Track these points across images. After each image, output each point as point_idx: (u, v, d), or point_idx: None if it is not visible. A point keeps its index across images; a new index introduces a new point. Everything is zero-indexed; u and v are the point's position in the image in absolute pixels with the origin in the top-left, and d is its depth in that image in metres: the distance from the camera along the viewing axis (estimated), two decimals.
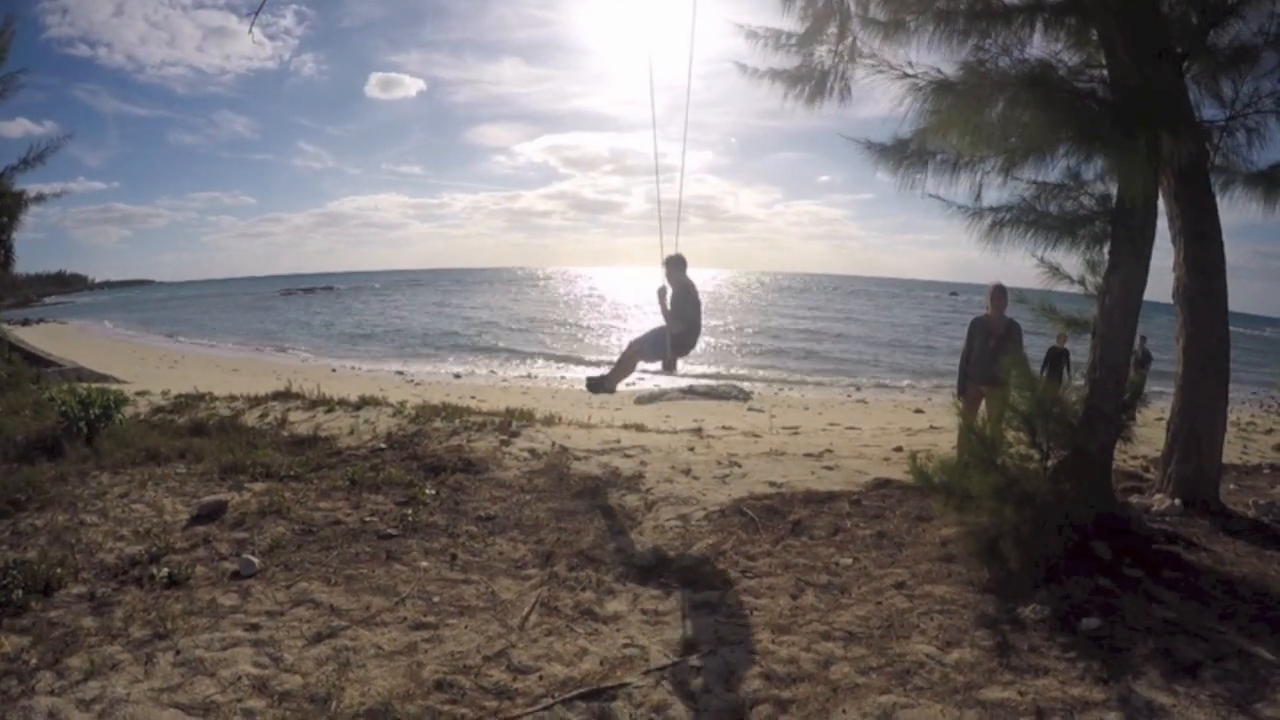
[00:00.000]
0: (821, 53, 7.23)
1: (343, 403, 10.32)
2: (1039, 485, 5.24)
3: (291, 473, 7.16)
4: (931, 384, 30.02)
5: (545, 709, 3.75)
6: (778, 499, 6.77)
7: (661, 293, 7.39)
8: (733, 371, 32.94)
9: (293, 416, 9.66)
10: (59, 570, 4.95)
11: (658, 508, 6.64)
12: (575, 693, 3.88)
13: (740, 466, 7.77)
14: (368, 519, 6.18)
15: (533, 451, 8.07)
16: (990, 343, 7.94)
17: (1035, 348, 10.26)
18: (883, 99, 6.30)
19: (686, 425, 11.39)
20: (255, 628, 4.44)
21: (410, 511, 6.31)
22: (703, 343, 7.66)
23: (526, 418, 9.62)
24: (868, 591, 5.05)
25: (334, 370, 29.86)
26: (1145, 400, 6.50)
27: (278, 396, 10.81)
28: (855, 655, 4.24)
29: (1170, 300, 6.86)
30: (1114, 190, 6.18)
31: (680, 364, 7.72)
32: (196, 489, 6.76)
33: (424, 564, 5.46)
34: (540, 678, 4.04)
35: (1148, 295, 6.09)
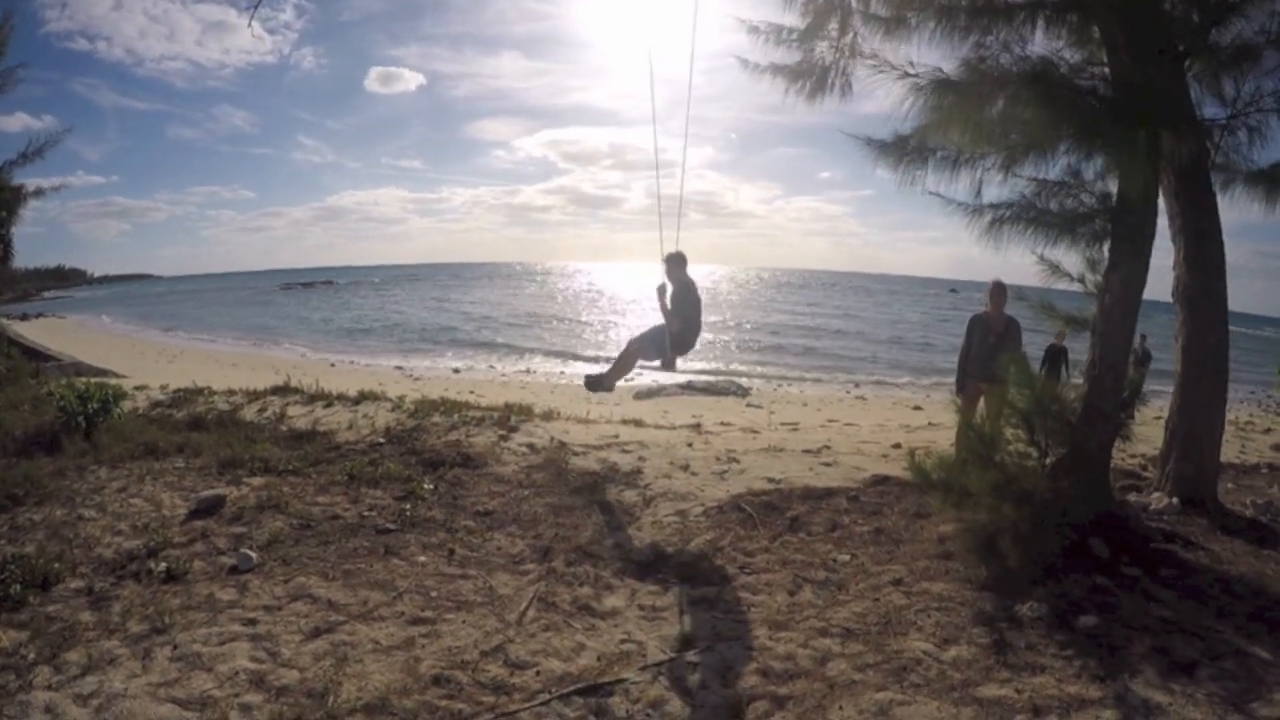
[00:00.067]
0: (823, 48, 7.22)
1: (341, 397, 10.31)
2: (1037, 483, 5.24)
3: (290, 467, 7.15)
4: (930, 381, 30.03)
5: (542, 704, 3.75)
6: (776, 495, 6.77)
7: (661, 290, 7.36)
8: (731, 368, 32.94)
9: (291, 411, 9.65)
10: (57, 565, 4.95)
11: (656, 503, 6.64)
12: (572, 688, 3.88)
13: (738, 462, 7.77)
14: (366, 514, 6.18)
15: (531, 446, 8.06)
16: (990, 339, 7.93)
17: (1034, 346, 10.26)
18: (884, 96, 6.30)
19: (685, 421, 11.39)
20: (253, 622, 4.44)
21: (408, 506, 6.31)
22: (701, 339, 7.63)
23: (525, 413, 9.62)
24: (865, 588, 5.05)
25: (333, 365, 29.86)
26: (1144, 399, 6.50)
27: (276, 391, 10.80)
28: (852, 652, 4.24)
29: (1170, 299, 6.86)
30: (1114, 188, 6.17)
31: (679, 361, 7.70)
32: (195, 483, 6.76)
33: (422, 559, 5.46)
34: (538, 673, 4.04)
35: (1148, 294, 6.09)
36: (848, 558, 5.56)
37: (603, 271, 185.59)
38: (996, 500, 5.17)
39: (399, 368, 30.27)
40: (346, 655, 4.12)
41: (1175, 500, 6.50)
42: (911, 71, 6.08)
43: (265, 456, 7.36)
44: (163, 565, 5.05)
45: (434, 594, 4.93)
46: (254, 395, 10.60)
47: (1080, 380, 6.27)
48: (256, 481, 6.80)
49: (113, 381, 11.93)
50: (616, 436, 8.68)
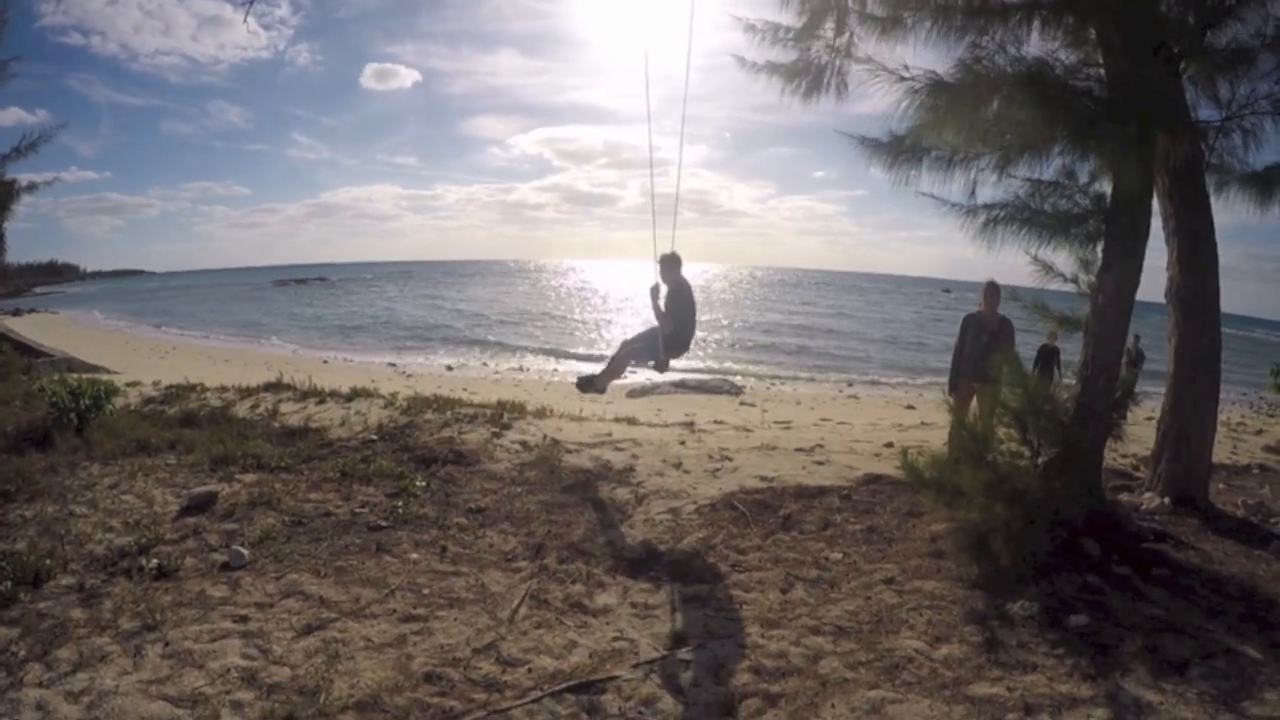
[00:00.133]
0: (818, 48, 7.21)
1: (334, 394, 10.28)
2: (1029, 482, 5.26)
3: (282, 464, 7.14)
4: (923, 380, 30.09)
5: (534, 701, 3.75)
6: (768, 493, 6.77)
7: (654, 291, 7.34)
8: (725, 366, 32.98)
9: (284, 408, 9.62)
10: (48, 561, 4.93)
11: (648, 501, 6.65)
12: (564, 685, 3.88)
13: (731, 461, 7.78)
14: (358, 511, 6.17)
15: (524, 444, 8.06)
16: (983, 338, 7.96)
17: (1027, 346, 10.29)
18: (879, 96, 6.29)
19: (678, 419, 11.38)
20: (244, 619, 4.43)
21: (401, 503, 6.30)
22: (695, 339, 7.61)
23: (518, 410, 9.60)
24: (857, 586, 5.06)
25: (326, 361, 29.80)
26: (1136, 399, 6.53)
27: (269, 387, 10.77)
28: (844, 650, 4.25)
29: (1164, 300, 6.88)
30: (1108, 189, 6.18)
31: (672, 362, 7.68)
32: (187, 480, 6.74)
33: (414, 556, 5.45)
34: (529, 670, 4.04)
35: (1141, 295, 6.11)
36: (840, 556, 5.57)
37: (597, 269, 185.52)
38: (989, 499, 5.19)
39: (392, 364, 30.23)
40: (338, 652, 4.12)
41: (1167, 500, 6.53)
42: (906, 75, 6.09)
43: (257, 453, 7.35)
44: (154, 562, 5.04)
45: (426, 591, 4.92)
46: (246, 392, 10.56)
47: (1072, 380, 6.29)
48: (248, 478, 6.78)
49: (105, 377, 11.88)
50: (609, 434, 8.67)
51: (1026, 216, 6.41)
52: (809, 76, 7.30)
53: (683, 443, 8.53)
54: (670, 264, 7.29)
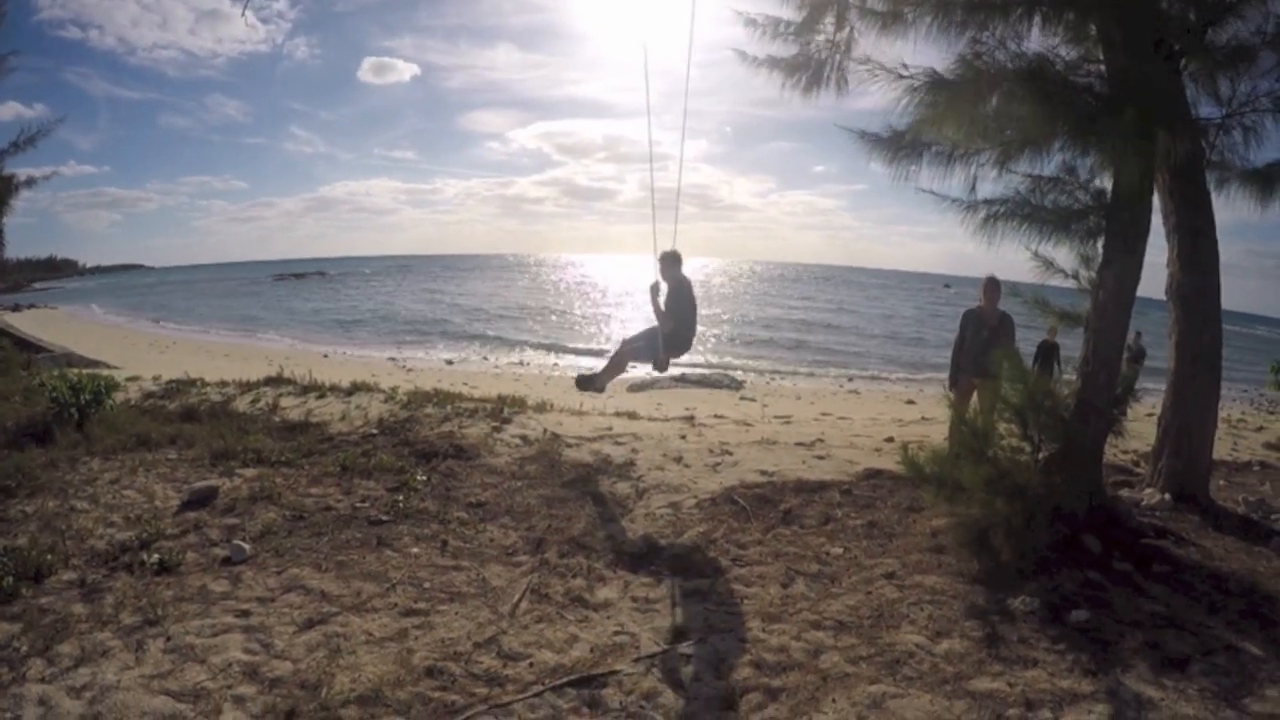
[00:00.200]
0: (819, 42, 7.21)
1: (334, 388, 10.28)
2: (1030, 478, 5.26)
3: (283, 458, 7.14)
4: (924, 376, 30.08)
5: (535, 696, 3.76)
6: (769, 488, 6.78)
7: (654, 289, 7.29)
8: (725, 360, 33.00)
9: (284, 402, 9.62)
10: (49, 557, 4.94)
11: (649, 495, 6.65)
12: (566, 680, 3.89)
13: (732, 455, 7.78)
14: (359, 505, 6.17)
15: (524, 438, 8.06)
16: (984, 334, 7.96)
17: (1027, 342, 10.29)
18: (879, 91, 6.29)
19: (678, 413, 11.37)
20: (246, 614, 4.44)
21: (401, 498, 6.31)
22: (696, 337, 7.58)
23: (518, 404, 9.61)
24: (858, 581, 5.07)
25: (326, 356, 29.78)
26: (1137, 395, 6.52)
27: (269, 382, 10.77)
28: (845, 644, 4.25)
29: (1164, 296, 6.87)
30: (1109, 185, 6.18)
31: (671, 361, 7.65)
32: (187, 475, 6.74)
33: (415, 550, 5.46)
34: (531, 665, 4.05)
35: (1142, 291, 6.11)
36: (840, 551, 5.57)
37: (596, 264, 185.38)
38: (989, 495, 5.19)
39: (392, 359, 30.22)
40: (339, 647, 4.12)
41: (1167, 496, 6.53)
42: (905, 74, 6.08)
43: (258, 448, 7.35)
44: (155, 557, 5.04)
45: (427, 585, 4.93)
46: (247, 386, 10.56)
47: (1072, 376, 6.29)
48: (249, 473, 6.79)
49: (105, 372, 11.86)
50: (610, 428, 8.67)
51: (1027, 212, 6.40)
52: (809, 71, 7.30)
53: (683, 437, 8.53)
54: (670, 262, 7.24)
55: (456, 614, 4.57)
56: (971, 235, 6.57)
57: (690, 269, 7.41)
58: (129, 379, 11.30)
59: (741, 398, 19.40)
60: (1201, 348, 6.62)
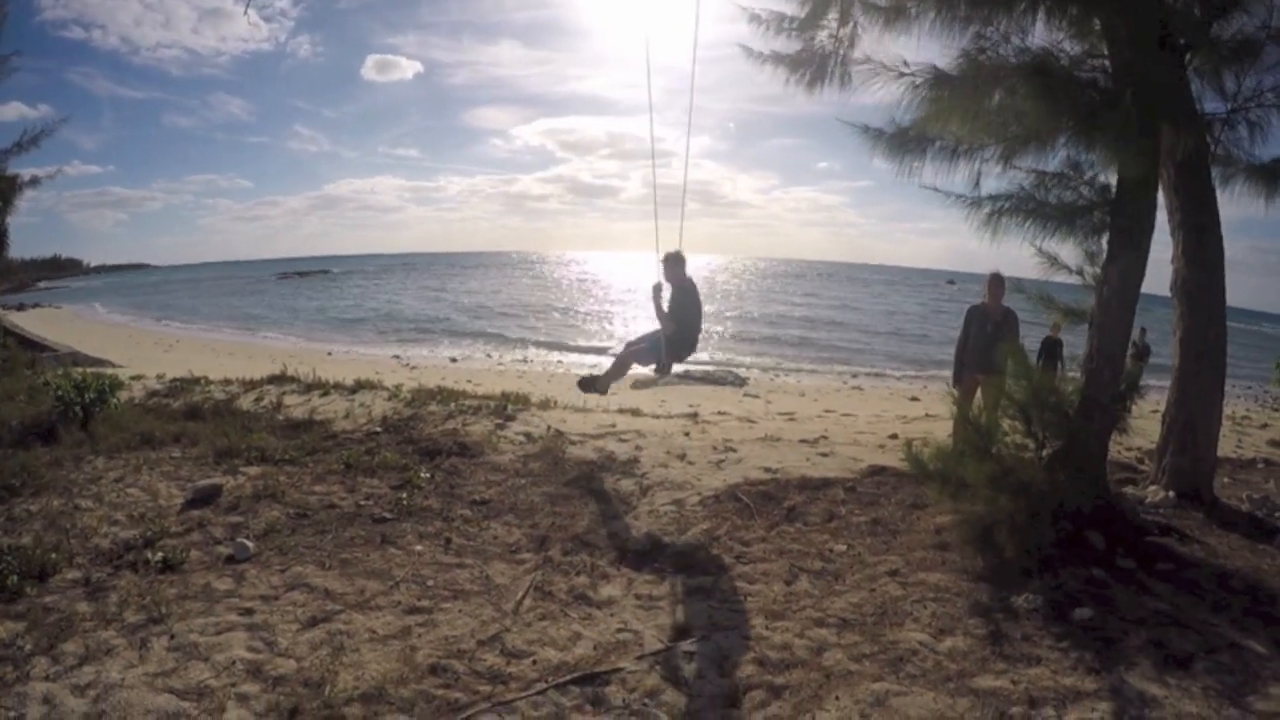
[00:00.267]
0: (822, 38, 7.20)
1: (338, 386, 10.30)
2: (1034, 475, 5.25)
3: (286, 456, 7.15)
4: (928, 372, 30.04)
5: (539, 694, 3.76)
6: (773, 485, 6.77)
7: (656, 290, 7.24)
8: (729, 357, 32.97)
9: (288, 400, 9.63)
10: (54, 555, 4.95)
11: (653, 492, 6.65)
12: (569, 677, 3.89)
13: (735, 452, 7.78)
14: (362, 503, 6.18)
15: (528, 435, 8.06)
16: (988, 330, 7.95)
17: (1031, 339, 10.26)
18: (883, 87, 6.29)
19: (682, 410, 11.37)
20: (249, 612, 4.44)
21: (405, 495, 6.31)
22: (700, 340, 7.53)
23: (522, 401, 9.61)
24: (861, 578, 5.06)
25: (330, 354, 29.82)
26: (1141, 392, 6.50)
27: (273, 380, 10.78)
28: (848, 642, 4.25)
29: (1169, 293, 6.86)
30: (1113, 181, 6.16)
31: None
32: (191, 473, 6.75)
33: (418, 548, 5.46)
34: (534, 662, 4.05)
35: (1146, 287, 6.08)
36: (844, 548, 5.57)
37: (600, 261, 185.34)
38: (993, 492, 5.19)
39: (396, 357, 30.25)
40: (343, 645, 4.13)
41: (1171, 494, 6.52)
42: (906, 71, 6.07)
43: (262, 446, 7.36)
44: (159, 555, 5.05)
45: (430, 583, 4.93)
46: (250, 384, 10.58)
47: (1073, 373, 6.27)
48: (253, 471, 6.80)
49: (109, 371, 11.90)
50: (613, 425, 8.67)
51: (1031, 208, 6.37)
52: (813, 67, 7.29)
53: (687, 434, 8.53)
54: (674, 263, 7.19)
55: (460, 612, 4.57)
56: (975, 231, 6.55)
57: (693, 266, 7.37)
58: (133, 377, 11.32)
59: (745, 394, 19.41)
60: (1206, 344, 6.60)
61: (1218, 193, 6.65)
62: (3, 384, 9.62)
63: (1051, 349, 12.49)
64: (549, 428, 8.32)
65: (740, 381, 22.81)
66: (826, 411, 14.45)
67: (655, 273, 7.29)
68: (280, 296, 71.78)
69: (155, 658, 3.92)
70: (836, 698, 3.72)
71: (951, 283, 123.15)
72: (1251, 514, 6.40)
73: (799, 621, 4.49)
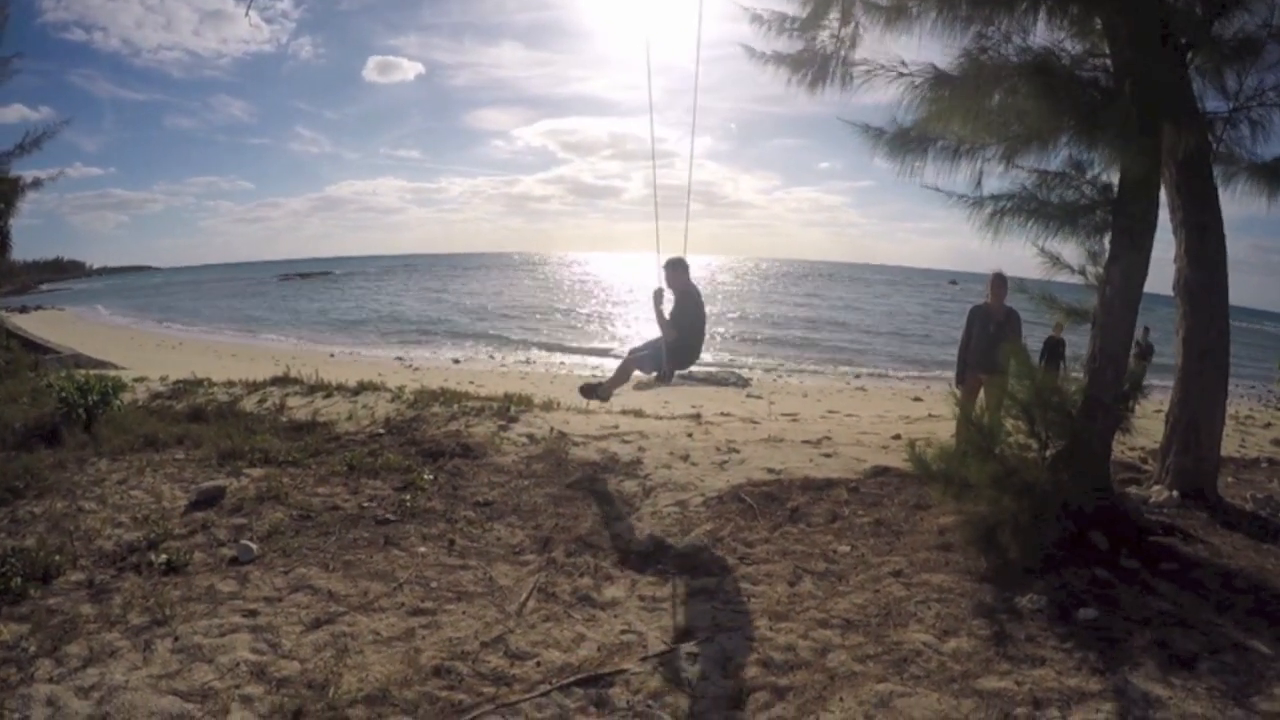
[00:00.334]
0: (824, 38, 7.21)
1: (341, 388, 10.30)
2: (1037, 475, 5.24)
3: (290, 458, 7.15)
4: (930, 372, 30.01)
5: (543, 695, 3.76)
6: (776, 486, 6.77)
7: (657, 296, 7.13)
8: (731, 358, 32.98)
9: (291, 402, 9.65)
10: (57, 557, 4.95)
11: (656, 494, 6.64)
12: (573, 679, 3.89)
13: (739, 453, 7.77)
14: (366, 505, 6.18)
15: (531, 437, 8.06)
16: (990, 330, 7.94)
17: (1033, 339, 10.26)
18: (884, 87, 6.29)
19: (685, 411, 11.37)
20: (253, 614, 4.44)
21: (408, 497, 6.32)
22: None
23: (525, 403, 9.62)
24: (865, 579, 5.06)
25: (332, 355, 29.85)
26: (1145, 392, 6.49)
27: (276, 382, 10.80)
28: (852, 643, 4.24)
29: (1171, 292, 6.85)
30: (1115, 180, 6.15)
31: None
32: (195, 475, 6.76)
33: (422, 550, 5.46)
34: (538, 664, 4.05)
35: (1149, 287, 6.08)
36: (848, 549, 5.56)
37: (602, 262, 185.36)
38: (997, 492, 5.18)
39: (399, 358, 30.28)
40: (347, 646, 4.13)
41: (1175, 493, 6.51)
42: (904, 70, 6.07)
43: (265, 448, 7.36)
44: (163, 557, 5.05)
45: (434, 585, 4.93)
46: (254, 386, 10.59)
47: (1076, 373, 6.27)
48: (256, 473, 6.80)
49: (112, 373, 11.92)
50: (616, 427, 8.67)
51: (1033, 208, 6.37)
52: (815, 66, 7.29)
53: (690, 435, 8.53)
54: (676, 269, 7.12)
55: (464, 613, 4.57)
56: (977, 231, 6.54)
57: (695, 266, 7.32)
58: (136, 379, 11.34)
59: (748, 395, 19.40)
60: (1208, 343, 6.60)
61: (1220, 191, 6.64)
62: (6, 386, 9.64)
63: (1054, 349, 12.48)
64: (552, 429, 8.32)
65: (743, 382, 22.82)
66: (829, 412, 14.45)
67: (656, 276, 7.23)
68: (282, 298, 71.86)
69: (159, 660, 3.92)
70: (840, 699, 3.72)
71: (954, 283, 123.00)
72: (1255, 513, 6.39)
73: (803, 622, 4.49)
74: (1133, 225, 5.93)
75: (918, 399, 19.73)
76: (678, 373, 7.51)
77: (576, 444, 7.83)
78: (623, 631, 4.42)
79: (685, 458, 7.55)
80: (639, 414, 9.97)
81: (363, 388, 10.28)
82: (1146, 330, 15.59)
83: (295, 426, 8.46)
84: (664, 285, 7.15)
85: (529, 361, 31.65)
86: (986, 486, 5.21)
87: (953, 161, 6.60)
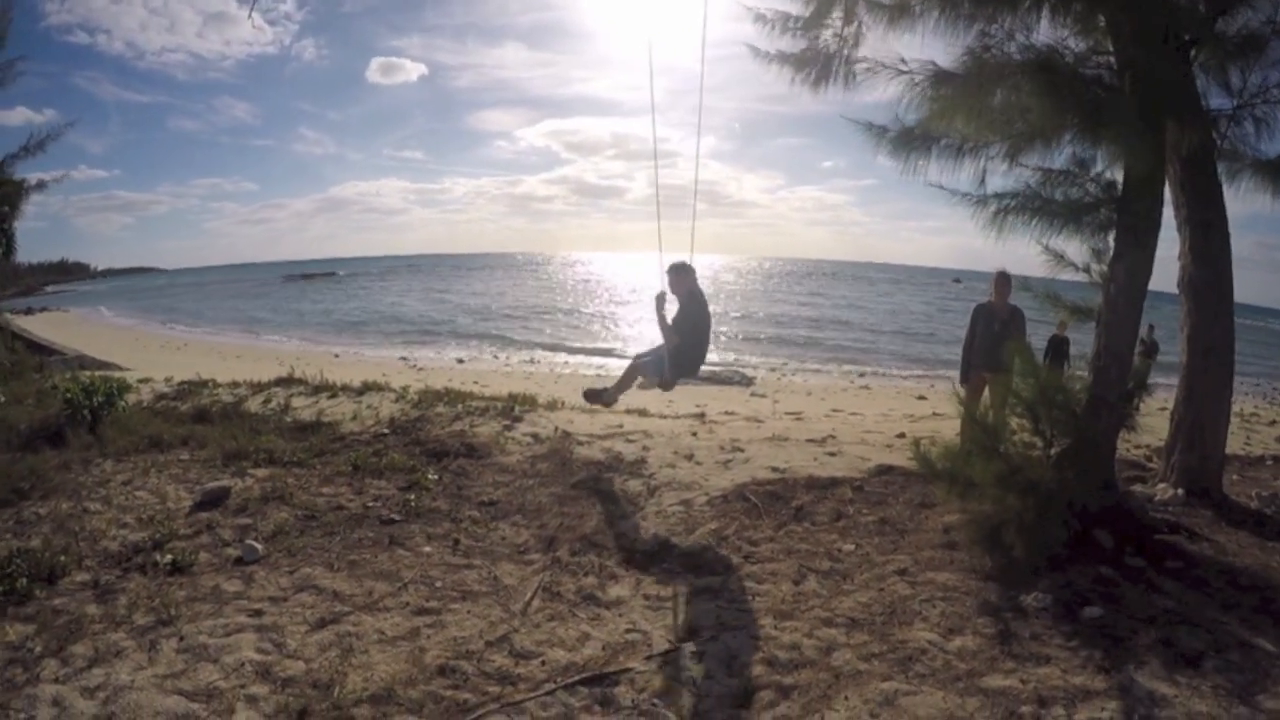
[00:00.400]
0: (827, 37, 7.20)
1: (345, 388, 10.32)
2: (1042, 473, 5.23)
3: (294, 458, 7.17)
4: (935, 371, 29.98)
5: (548, 694, 3.76)
6: (780, 484, 6.76)
7: (660, 300, 6.91)
8: (735, 357, 32.96)
9: (296, 402, 9.66)
10: (63, 558, 4.96)
11: (660, 493, 6.65)
12: (578, 678, 3.89)
13: (743, 452, 7.77)
14: (370, 504, 6.19)
15: (535, 436, 8.07)
16: (994, 328, 7.94)
17: (1038, 337, 10.25)
18: (887, 86, 6.29)
19: (689, 410, 11.37)
20: (258, 614, 4.45)
21: (413, 497, 6.32)
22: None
23: (529, 402, 9.63)
24: (870, 578, 5.05)
25: (337, 356, 29.87)
26: (1149, 390, 6.48)
27: (280, 382, 10.82)
28: (857, 642, 4.24)
29: (1176, 290, 6.83)
30: (1119, 177, 6.14)
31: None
32: (200, 475, 6.77)
33: (427, 549, 5.47)
34: (543, 663, 4.05)
35: (1154, 285, 6.07)
36: (852, 547, 5.56)
37: (605, 262, 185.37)
38: (1001, 490, 5.17)
39: (403, 359, 30.30)
40: (352, 646, 4.13)
41: (1180, 491, 6.49)
42: (905, 69, 6.06)
43: (270, 448, 7.38)
44: (168, 557, 5.06)
45: (439, 584, 4.94)
46: (258, 387, 10.62)
47: (1081, 371, 6.26)
48: (261, 473, 6.81)
49: (117, 374, 11.94)
50: (620, 426, 8.68)
51: (1037, 206, 6.35)
52: (818, 65, 7.28)
53: (694, 434, 8.53)
54: (680, 274, 6.93)
55: (468, 613, 4.58)
56: (981, 229, 6.51)
57: (698, 267, 7.12)
58: (141, 380, 11.36)
59: (752, 394, 19.40)
60: (1213, 341, 6.59)
61: (1224, 189, 6.63)
62: (11, 387, 9.65)
63: (1058, 347, 12.46)
64: (556, 429, 8.33)
65: (747, 381, 22.82)
66: (834, 411, 14.43)
67: (659, 279, 7.07)
68: (286, 299, 71.93)
69: (164, 659, 3.93)
70: (845, 697, 3.72)
71: (958, 281, 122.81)
72: (1260, 511, 6.37)
73: (807, 621, 4.49)
74: (1137, 223, 5.91)
75: (922, 397, 19.71)
76: (677, 384, 7.40)
77: (581, 443, 7.83)
78: (627, 630, 4.42)
79: (690, 457, 7.55)
80: (643, 413, 9.97)
81: (367, 388, 10.30)
82: (1151, 328, 15.57)
83: (300, 427, 8.48)
84: (667, 290, 6.96)
85: (533, 361, 31.64)
86: (991, 485, 5.20)
87: (956, 160, 6.59)
